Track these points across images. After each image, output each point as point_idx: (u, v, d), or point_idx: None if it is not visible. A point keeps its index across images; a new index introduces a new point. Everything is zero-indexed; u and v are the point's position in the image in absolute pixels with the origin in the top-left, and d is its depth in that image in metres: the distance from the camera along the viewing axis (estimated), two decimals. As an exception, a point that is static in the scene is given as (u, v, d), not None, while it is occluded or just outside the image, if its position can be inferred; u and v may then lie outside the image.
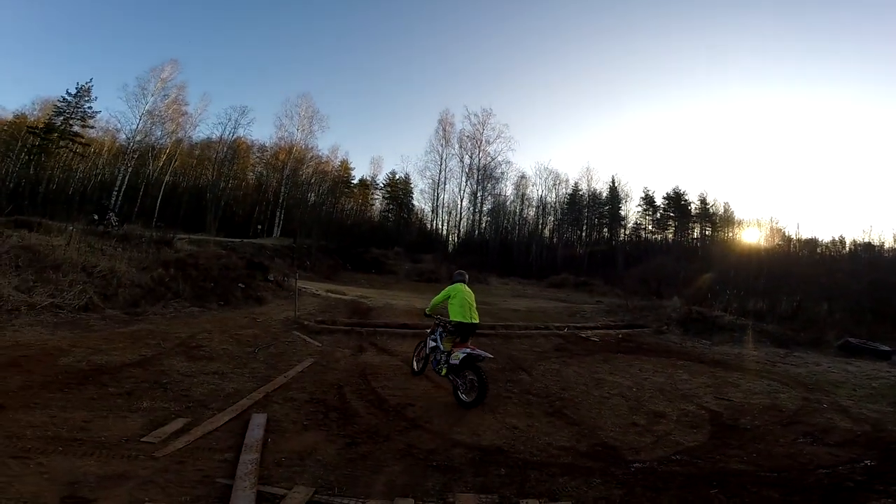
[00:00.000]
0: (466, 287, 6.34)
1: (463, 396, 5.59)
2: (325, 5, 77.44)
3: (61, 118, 37.47)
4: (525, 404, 5.98)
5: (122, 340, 7.34)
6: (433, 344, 6.37)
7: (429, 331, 6.67)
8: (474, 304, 6.20)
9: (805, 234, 45.31)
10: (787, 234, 45.41)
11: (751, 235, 45.87)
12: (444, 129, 47.16)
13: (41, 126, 36.88)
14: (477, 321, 6.18)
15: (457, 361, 5.67)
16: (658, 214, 51.16)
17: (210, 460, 3.69)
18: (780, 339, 11.63)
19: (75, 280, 9.55)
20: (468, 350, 5.66)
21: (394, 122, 76.39)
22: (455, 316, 5.97)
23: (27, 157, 35.80)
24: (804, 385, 7.73)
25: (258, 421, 4.51)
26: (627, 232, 50.90)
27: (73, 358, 6.11)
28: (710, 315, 13.03)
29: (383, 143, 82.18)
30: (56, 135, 36.66)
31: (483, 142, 46.33)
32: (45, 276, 9.37)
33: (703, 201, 49.78)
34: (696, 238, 50.25)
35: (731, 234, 48.10)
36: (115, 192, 35.16)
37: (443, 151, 46.85)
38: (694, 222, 50.81)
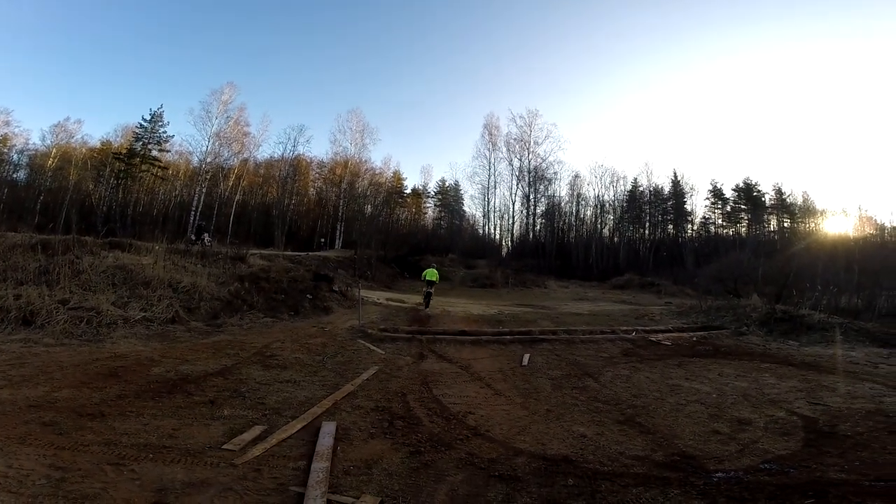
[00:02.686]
0: (432, 269, 16.74)
1: (425, 308, 14.61)
2: (365, 22, 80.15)
3: (140, 143, 41.40)
4: (593, 412, 5.75)
5: (205, 351, 7.88)
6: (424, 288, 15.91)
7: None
8: (434, 273, 15.97)
9: (901, 222, 40.54)
10: (879, 222, 40.91)
11: (836, 225, 41.68)
12: (490, 133, 47.15)
13: (124, 152, 40.91)
14: (433, 279, 15.71)
15: (423, 295, 15.52)
16: (728, 207, 47.88)
17: (284, 468, 3.84)
18: (882, 339, 10.41)
19: (163, 295, 10.43)
20: (427, 290, 15.42)
21: (441, 129, 77.98)
22: (426, 277, 15.80)
23: (116, 182, 39.85)
24: (915, 390, 6.84)
25: (328, 429, 4.65)
26: (695, 227, 48.08)
27: (163, 368, 6.63)
28: (797, 314, 11.92)
29: (432, 151, 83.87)
30: (138, 159, 40.55)
31: (531, 143, 45.85)
32: (138, 293, 10.30)
33: (779, 191, 46.04)
34: (773, 231, 46.44)
35: (812, 226, 43.99)
36: (192, 212, 38.17)
37: (490, 156, 46.84)
38: (769, 214, 47.07)
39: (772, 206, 46.67)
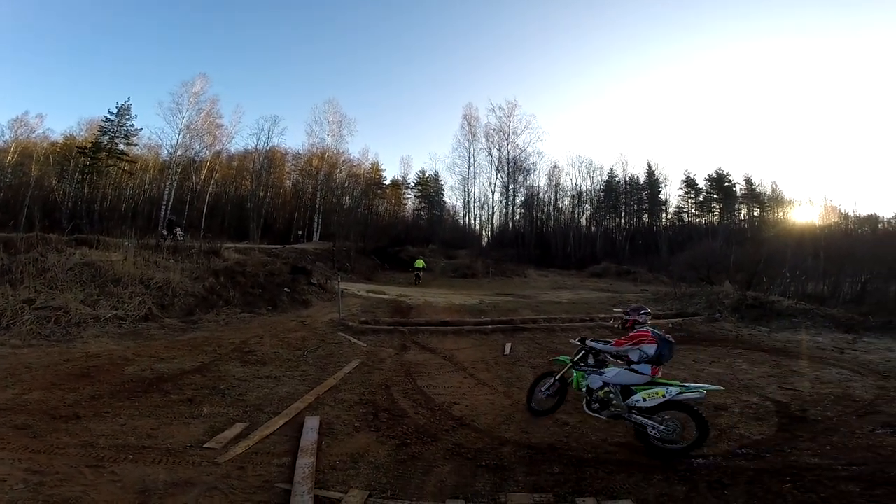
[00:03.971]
0: (419, 259, 27.88)
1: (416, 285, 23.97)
2: (342, 13, 78.60)
3: (107, 137, 39.56)
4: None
5: (181, 348, 7.69)
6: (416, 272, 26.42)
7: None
8: (421, 262, 27.11)
9: (863, 211, 42.44)
10: (843, 211, 42.63)
11: (803, 214, 43.20)
12: (470, 124, 46.93)
13: (89, 146, 39.08)
14: (421, 266, 26.75)
15: (414, 278, 25.79)
16: (701, 197, 49.10)
17: (269, 465, 3.79)
18: (847, 324, 10.88)
19: (135, 292, 10.10)
20: (416, 273, 26.07)
21: (420, 120, 77.25)
22: (415, 266, 26.80)
23: (80, 177, 38.15)
24: (878, 373, 7.20)
25: (312, 424, 4.60)
26: (669, 216, 49.16)
27: (138, 367, 6.44)
28: (767, 300, 12.36)
29: (411, 142, 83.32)
30: (104, 154, 38.82)
31: (510, 134, 45.81)
32: (108, 290, 9.95)
33: (749, 181, 47.41)
34: (744, 220, 47.90)
35: (781, 214, 45.57)
36: (163, 206, 36.98)
37: (470, 146, 46.67)
38: (740, 203, 48.51)
39: (742, 196, 48.04)
